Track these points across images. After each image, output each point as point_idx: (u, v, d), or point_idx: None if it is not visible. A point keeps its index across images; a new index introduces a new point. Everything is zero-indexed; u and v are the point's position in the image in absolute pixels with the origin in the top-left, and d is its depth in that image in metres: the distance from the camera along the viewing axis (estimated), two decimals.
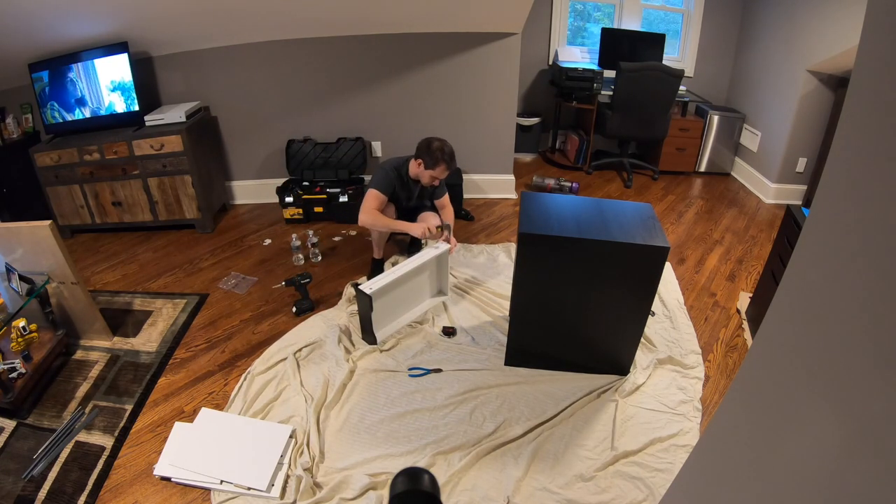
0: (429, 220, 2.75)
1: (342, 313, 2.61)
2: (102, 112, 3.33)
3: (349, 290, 2.77)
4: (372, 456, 1.85)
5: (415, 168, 2.61)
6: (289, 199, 3.55)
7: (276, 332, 2.50)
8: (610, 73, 4.18)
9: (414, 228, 2.62)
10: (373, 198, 2.59)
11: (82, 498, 1.72)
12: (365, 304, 2.25)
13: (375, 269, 2.95)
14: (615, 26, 4.62)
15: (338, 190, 3.56)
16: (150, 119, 3.29)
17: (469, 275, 2.93)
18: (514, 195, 4.03)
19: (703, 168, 4.59)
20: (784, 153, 3.86)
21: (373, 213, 2.59)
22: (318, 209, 3.57)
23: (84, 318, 2.38)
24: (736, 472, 0.77)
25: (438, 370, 2.25)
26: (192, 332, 2.54)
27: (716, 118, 4.36)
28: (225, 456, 1.81)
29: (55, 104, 3.29)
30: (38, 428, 1.99)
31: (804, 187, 3.96)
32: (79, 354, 2.39)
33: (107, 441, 1.94)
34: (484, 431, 1.94)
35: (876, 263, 0.49)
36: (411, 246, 3.12)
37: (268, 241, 3.38)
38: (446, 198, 2.87)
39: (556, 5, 4.41)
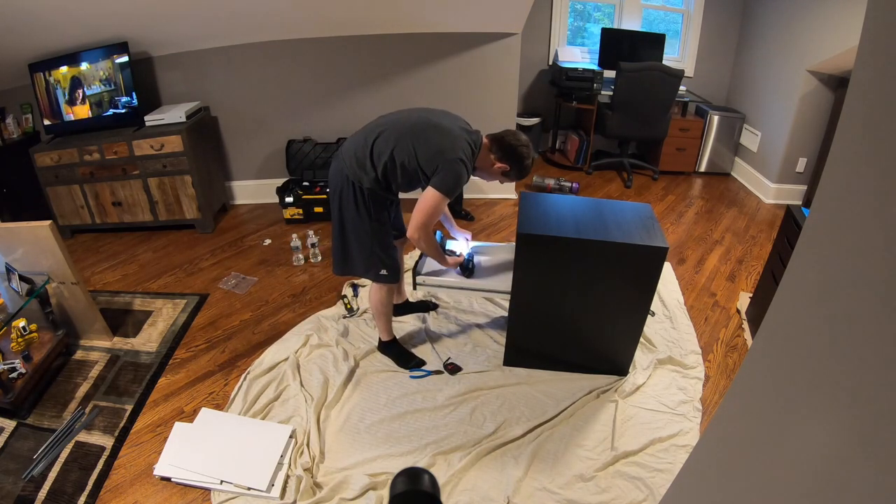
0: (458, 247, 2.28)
1: (342, 313, 2.61)
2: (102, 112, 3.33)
3: (349, 291, 2.77)
4: (372, 456, 1.85)
5: (491, 167, 1.92)
6: (289, 200, 3.55)
7: (276, 332, 2.50)
8: (610, 73, 4.17)
9: (451, 263, 2.09)
10: (437, 209, 1.79)
11: (82, 498, 1.72)
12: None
13: (397, 352, 2.30)
14: (615, 26, 4.61)
15: None
16: (150, 119, 3.29)
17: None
18: (514, 195, 4.03)
19: (703, 168, 4.59)
20: (784, 153, 3.86)
21: (430, 232, 1.88)
22: (318, 209, 3.57)
23: (84, 318, 2.38)
24: (735, 473, 0.76)
25: (439, 371, 2.25)
26: (192, 332, 2.54)
27: (716, 118, 4.36)
28: (225, 456, 1.81)
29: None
30: (38, 428, 1.98)
31: (804, 187, 3.96)
32: (79, 354, 2.39)
33: (107, 441, 1.94)
34: (484, 432, 1.94)
35: (876, 263, 0.49)
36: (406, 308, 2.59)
37: (268, 241, 3.38)
38: None
39: (556, 5, 4.41)
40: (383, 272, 2.01)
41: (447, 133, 1.81)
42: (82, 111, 3.33)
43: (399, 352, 2.30)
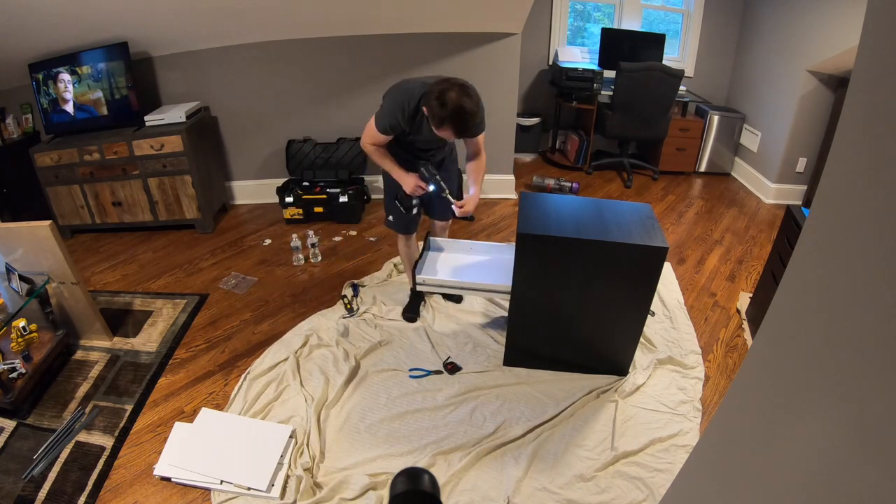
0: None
1: (342, 313, 2.61)
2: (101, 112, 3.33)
3: (349, 291, 2.78)
4: (372, 456, 1.85)
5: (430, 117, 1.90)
6: (289, 200, 3.55)
7: (276, 332, 2.50)
8: (610, 73, 4.17)
9: (405, 181, 2.10)
10: (371, 134, 2.04)
11: (82, 498, 1.72)
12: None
13: (410, 300, 2.63)
14: (615, 26, 4.61)
15: (338, 190, 3.56)
16: (150, 119, 3.28)
17: None
18: (514, 195, 4.03)
19: (703, 168, 4.59)
20: (784, 153, 3.86)
21: (374, 149, 2.08)
22: (318, 209, 3.57)
23: (84, 318, 2.38)
24: (736, 472, 0.76)
25: (439, 371, 2.25)
26: (192, 332, 2.54)
27: (716, 118, 4.36)
28: (225, 456, 1.81)
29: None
30: (38, 428, 1.98)
31: (804, 187, 3.96)
32: (79, 354, 2.39)
33: (107, 441, 1.94)
34: (484, 432, 1.94)
35: (876, 263, 0.49)
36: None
37: (268, 241, 3.38)
38: (479, 139, 2.10)
39: (556, 5, 4.41)
40: (390, 218, 2.35)
41: (402, 83, 2.02)
42: (82, 111, 3.32)
43: (411, 300, 2.63)
